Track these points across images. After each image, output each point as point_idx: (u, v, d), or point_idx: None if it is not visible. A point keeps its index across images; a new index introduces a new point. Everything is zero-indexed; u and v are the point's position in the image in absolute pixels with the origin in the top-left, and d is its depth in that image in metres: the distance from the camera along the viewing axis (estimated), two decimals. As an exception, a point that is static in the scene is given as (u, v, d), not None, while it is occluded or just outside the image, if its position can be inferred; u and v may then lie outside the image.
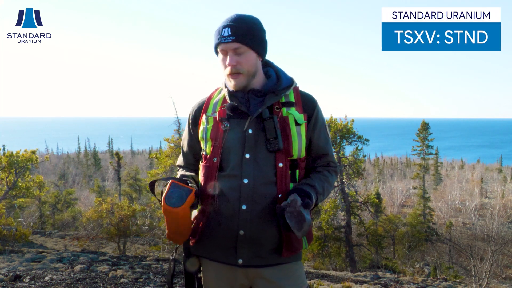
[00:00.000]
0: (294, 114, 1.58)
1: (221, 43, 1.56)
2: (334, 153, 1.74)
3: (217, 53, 1.64)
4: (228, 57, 1.56)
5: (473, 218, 29.35)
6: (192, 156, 1.77)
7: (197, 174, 1.73)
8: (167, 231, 1.57)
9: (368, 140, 14.74)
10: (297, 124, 1.58)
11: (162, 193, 1.52)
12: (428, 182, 38.18)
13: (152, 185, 1.68)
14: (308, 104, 1.65)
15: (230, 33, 1.53)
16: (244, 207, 1.53)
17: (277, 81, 1.64)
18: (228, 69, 1.57)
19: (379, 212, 18.95)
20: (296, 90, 1.67)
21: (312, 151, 1.67)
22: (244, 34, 1.55)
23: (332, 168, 1.70)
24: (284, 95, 1.62)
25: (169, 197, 1.47)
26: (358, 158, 14.74)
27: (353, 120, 14.65)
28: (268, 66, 1.71)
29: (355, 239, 16.27)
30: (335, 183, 14.73)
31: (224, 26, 1.55)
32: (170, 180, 1.50)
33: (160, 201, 1.52)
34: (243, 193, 1.53)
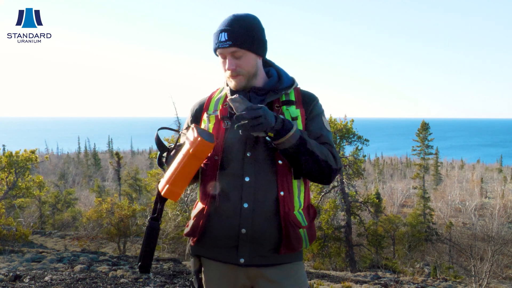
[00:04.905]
0: (290, 109, 1.59)
1: (219, 48, 1.57)
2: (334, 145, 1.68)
3: (217, 55, 1.65)
4: (227, 61, 1.57)
5: (473, 218, 29.33)
6: None
7: None
8: (169, 181, 1.50)
9: (368, 140, 14.74)
10: (293, 119, 1.58)
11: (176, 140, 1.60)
12: (428, 182, 38.17)
13: (158, 140, 1.65)
14: (307, 101, 1.65)
15: (227, 38, 1.53)
16: (245, 205, 1.52)
17: (278, 80, 1.65)
18: (228, 72, 1.58)
19: (379, 212, 18.93)
20: (297, 90, 1.68)
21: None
22: (241, 37, 1.54)
23: (327, 146, 1.61)
24: (284, 94, 1.63)
25: (202, 133, 1.48)
26: (358, 158, 14.74)
27: (352, 120, 14.66)
28: (269, 66, 1.72)
29: (355, 239, 16.27)
30: (335, 183, 14.84)
31: (221, 31, 1.56)
32: (194, 124, 1.55)
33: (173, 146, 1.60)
34: (245, 191, 1.53)
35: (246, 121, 1.39)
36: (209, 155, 1.50)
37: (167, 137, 12.04)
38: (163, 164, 1.67)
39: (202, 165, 1.65)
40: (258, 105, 1.43)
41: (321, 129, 1.63)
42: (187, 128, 1.73)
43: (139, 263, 1.64)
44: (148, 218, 1.66)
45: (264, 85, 1.64)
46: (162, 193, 1.54)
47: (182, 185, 1.52)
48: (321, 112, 1.67)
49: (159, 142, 1.65)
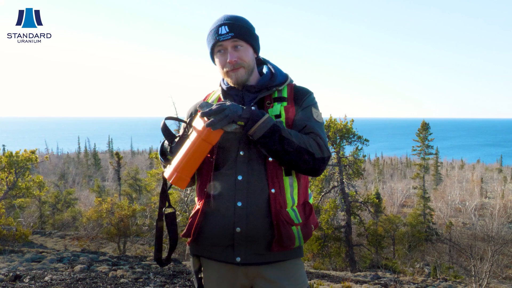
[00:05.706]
0: (274, 107, 1.59)
1: (219, 41, 1.58)
2: (326, 139, 1.63)
3: (212, 57, 1.65)
4: (228, 54, 1.58)
5: (473, 218, 29.36)
6: None
7: None
8: (178, 168, 1.50)
9: (368, 140, 14.74)
10: (276, 117, 1.57)
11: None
12: (428, 182, 38.18)
13: (165, 128, 1.63)
14: (298, 96, 1.64)
15: (228, 30, 1.56)
16: (239, 204, 1.53)
17: (271, 77, 1.65)
18: (228, 66, 1.58)
19: (379, 212, 18.93)
20: (291, 86, 1.67)
21: (293, 128, 1.59)
22: (242, 29, 1.58)
23: (312, 135, 1.55)
24: (277, 91, 1.63)
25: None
26: (358, 158, 14.74)
27: (352, 120, 14.65)
28: (264, 64, 1.73)
29: (355, 239, 16.27)
30: (335, 183, 14.84)
31: (220, 25, 1.58)
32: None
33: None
34: (238, 190, 1.54)
35: (213, 118, 1.41)
36: (218, 141, 1.49)
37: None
38: (166, 154, 1.65)
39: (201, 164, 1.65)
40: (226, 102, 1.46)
41: (308, 119, 1.59)
42: (186, 128, 1.73)
43: (165, 257, 1.78)
44: (164, 211, 1.69)
45: (257, 83, 1.64)
46: (170, 181, 1.53)
47: (190, 172, 1.53)
48: (311, 104, 1.64)
49: (166, 130, 1.64)
